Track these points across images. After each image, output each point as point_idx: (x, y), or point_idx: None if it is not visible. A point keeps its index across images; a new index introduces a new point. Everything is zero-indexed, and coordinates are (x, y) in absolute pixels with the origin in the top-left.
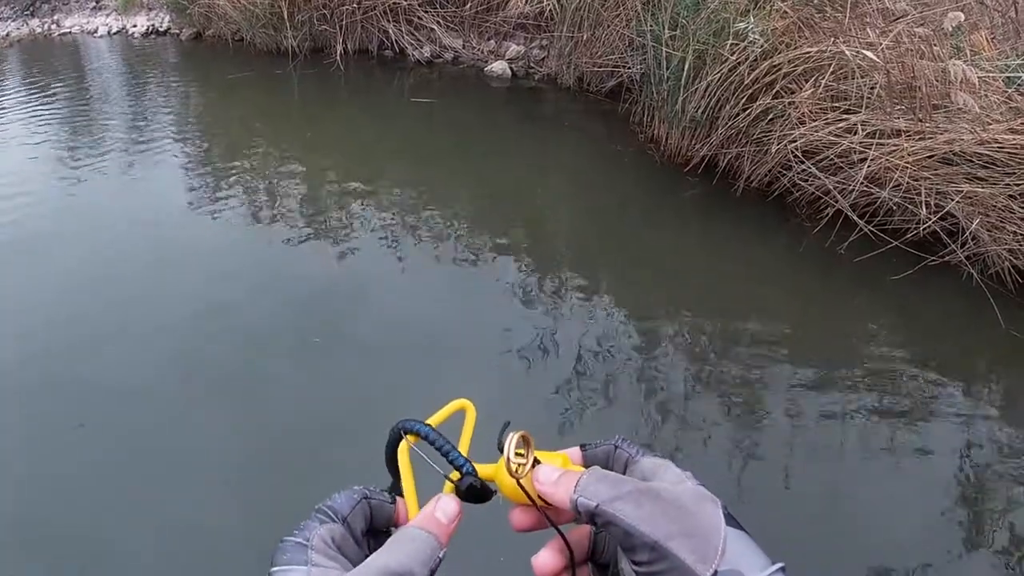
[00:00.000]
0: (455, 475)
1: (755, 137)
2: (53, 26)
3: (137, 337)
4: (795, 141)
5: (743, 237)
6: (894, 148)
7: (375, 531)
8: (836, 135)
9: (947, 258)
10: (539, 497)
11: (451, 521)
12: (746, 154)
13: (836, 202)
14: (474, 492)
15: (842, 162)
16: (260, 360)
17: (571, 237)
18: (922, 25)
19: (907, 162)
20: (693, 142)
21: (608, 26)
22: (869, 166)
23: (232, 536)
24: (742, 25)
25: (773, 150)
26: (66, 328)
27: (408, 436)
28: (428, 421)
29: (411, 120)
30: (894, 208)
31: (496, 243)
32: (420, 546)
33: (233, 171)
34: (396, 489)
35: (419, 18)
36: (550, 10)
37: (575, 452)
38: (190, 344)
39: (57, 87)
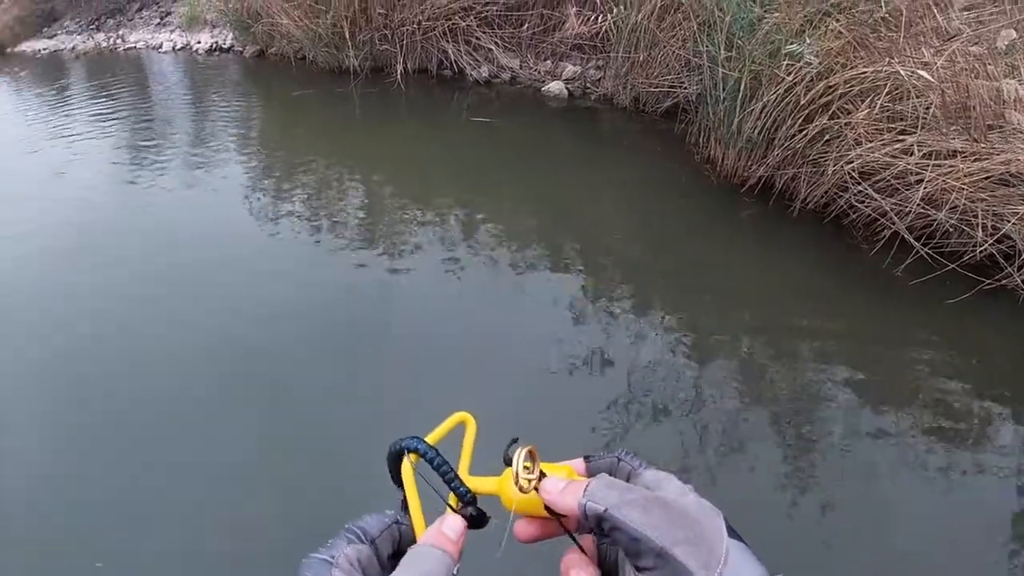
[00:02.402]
0: (453, 500)
1: (811, 158)
2: (118, 41)
3: (193, 341)
4: (851, 162)
5: (799, 259)
6: (950, 169)
7: (399, 554)
8: (892, 156)
9: (1004, 281)
10: (545, 507)
11: (458, 538)
12: (802, 175)
13: (892, 224)
14: (472, 519)
15: (898, 183)
16: (314, 364)
17: (626, 256)
18: (976, 44)
19: (963, 183)
20: (749, 163)
21: (664, 47)
22: (925, 187)
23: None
24: (794, 47)
25: (829, 171)
26: (123, 331)
27: (410, 455)
28: (429, 436)
29: (469, 139)
30: (950, 230)
31: (551, 260)
32: (436, 565)
33: (294, 186)
34: (405, 503)
35: (477, 39)
36: (606, 31)
37: (579, 463)
38: (246, 347)
39: (122, 100)
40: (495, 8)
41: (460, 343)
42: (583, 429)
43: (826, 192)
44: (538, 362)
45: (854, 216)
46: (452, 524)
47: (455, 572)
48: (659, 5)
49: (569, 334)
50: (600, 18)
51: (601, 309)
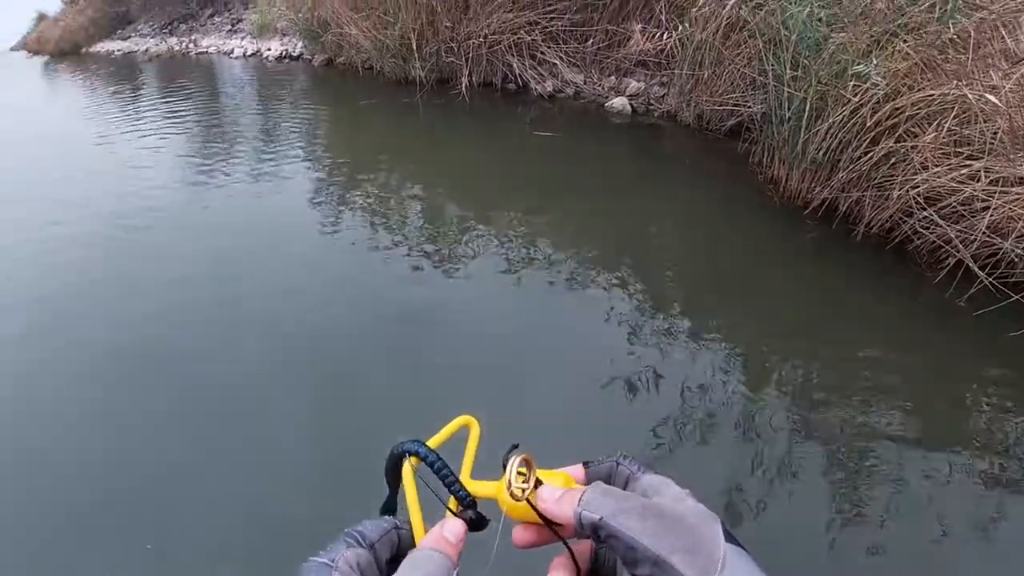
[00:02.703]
0: (453, 504)
1: (876, 181)
2: (190, 45)
3: (254, 336)
4: (917, 187)
5: (860, 284)
6: (1017, 197)
7: (397, 558)
8: (958, 181)
9: None
10: (539, 515)
11: (458, 541)
12: (867, 199)
13: (957, 252)
14: (472, 522)
15: (964, 210)
16: (367, 361)
17: (684, 274)
18: None
19: None
20: (813, 184)
21: (729, 64)
22: (991, 215)
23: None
24: (860, 67)
25: (894, 195)
26: (184, 320)
27: (411, 458)
28: (433, 439)
29: (531, 152)
30: (1016, 260)
31: (608, 274)
32: (436, 568)
33: (356, 191)
34: (389, 503)
35: (542, 53)
36: (671, 48)
37: (578, 469)
38: (304, 346)
39: (193, 102)
40: (560, 23)
41: (511, 350)
42: (630, 444)
43: (890, 217)
44: (589, 374)
45: (918, 242)
46: (452, 528)
47: (455, 574)
48: (725, 23)
49: (622, 349)
50: (665, 35)
51: (656, 326)
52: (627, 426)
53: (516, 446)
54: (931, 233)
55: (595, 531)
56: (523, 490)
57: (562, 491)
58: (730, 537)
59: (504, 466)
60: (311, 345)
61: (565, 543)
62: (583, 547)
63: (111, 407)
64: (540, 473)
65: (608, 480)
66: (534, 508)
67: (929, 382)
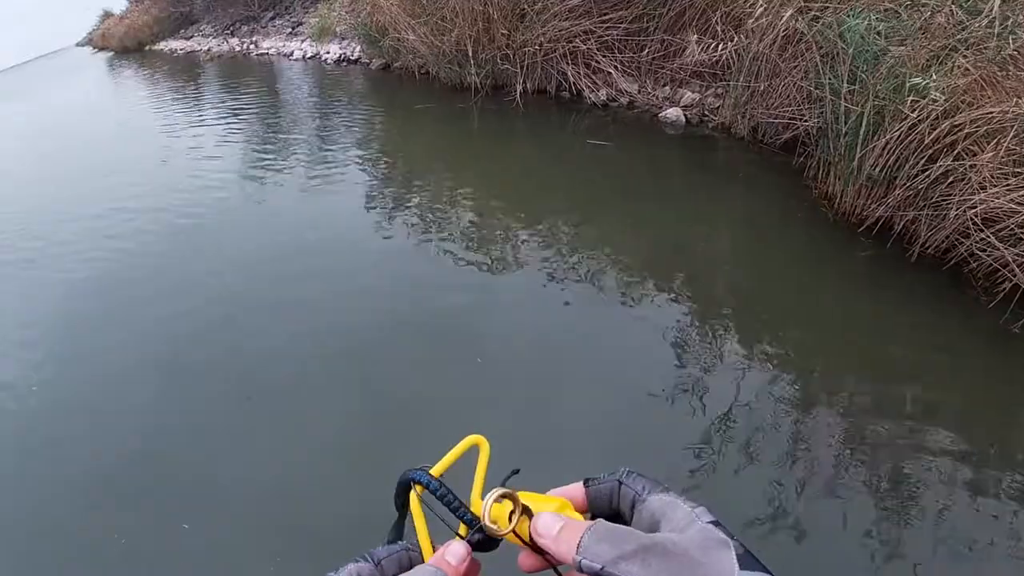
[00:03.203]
0: (463, 530)
1: (933, 200)
2: (251, 46)
3: (293, 331)
4: (975, 207)
5: (913, 306)
6: None
7: None
8: (1018, 203)
9: None
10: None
11: (460, 563)
12: (923, 218)
13: (1014, 276)
14: (478, 544)
15: (1023, 232)
16: (411, 359)
17: (733, 289)
18: None
19: None
20: (869, 201)
21: (785, 77)
22: None
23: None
24: (918, 81)
25: (951, 215)
26: (234, 314)
27: (416, 486)
28: (440, 462)
29: (584, 161)
30: None
31: (657, 285)
32: None
33: (409, 193)
34: (397, 527)
35: (597, 62)
36: (727, 59)
37: (578, 488)
38: (351, 339)
39: (253, 100)
40: (616, 32)
41: (551, 358)
42: (671, 459)
43: (947, 237)
44: (630, 387)
45: (974, 265)
46: (454, 550)
47: None
48: (781, 35)
49: (666, 362)
50: (721, 46)
51: (702, 341)
52: (665, 442)
53: (516, 471)
54: (988, 256)
55: None
56: (507, 522)
57: (561, 524)
58: (748, 562)
59: (503, 496)
60: (355, 345)
61: (557, 571)
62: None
63: (151, 398)
64: (533, 498)
65: (611, 502)
66: (521, 540)
67: (981, 409)
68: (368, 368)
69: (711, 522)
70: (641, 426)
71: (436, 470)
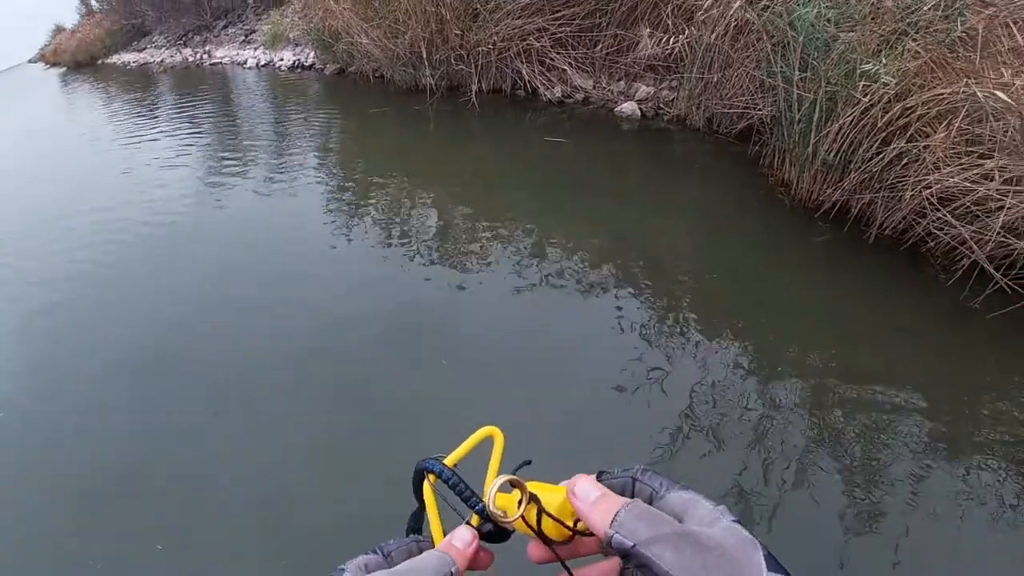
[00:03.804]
0: (476, 521)
1: (888, 182)
2: (205, 56)
3: (265, 340)
4: (929, 187)
5: (873, 287)
6: None
7: None
8: (972, 181)
9: None
10: (539, 533)
11: (466, 546)
12: (879, 200)
13: (971, 253)
14: (489, 534)
15: (979, 210)
16: (379, 366)
17: (695, 279)
18: None
19: None
20: (824, 186)
21: (738, 67)
22: (1006, 215)
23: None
24: (869, 67)
25: (907, 196)
26: (199, 326)
27: (430, 476)
28: (455, 452)
29: (542, 158)
30: None
31: (619, 279)
32: (431, 561)
33: (368, 198)
34: (416, 516)
35: (551, 59)
36: (680, 51)
37: (590, 479)
38: (314, 349)
39: (207, 111)
40: (569, 29)
41: (521, 356)
42: (640, 449)
43: (903, 218)
44: (600, 379)
45: (932, 244)
46: (460, 535)
47: (452, 571)
48: (732, 25)
49: (633, 354)
50: (673, 39)
51: (667, 331)
52: (633, 433)
53: (528, 462)
54: (945, 234)
55: (626, 556)
56: (515, 509)
57: (599, 492)
58: (772, 564)
59: (511, 483)
60: (324, 350)
61: (565, 566)
62: (610, 565)
63: (123, 411)
64: (542, 487)
65: (624, 496)
66: (531, 528)
67: (944, 384)
68: (332, 373)
69: (735, 521)
70: (608, 418)
71: (450, 460)
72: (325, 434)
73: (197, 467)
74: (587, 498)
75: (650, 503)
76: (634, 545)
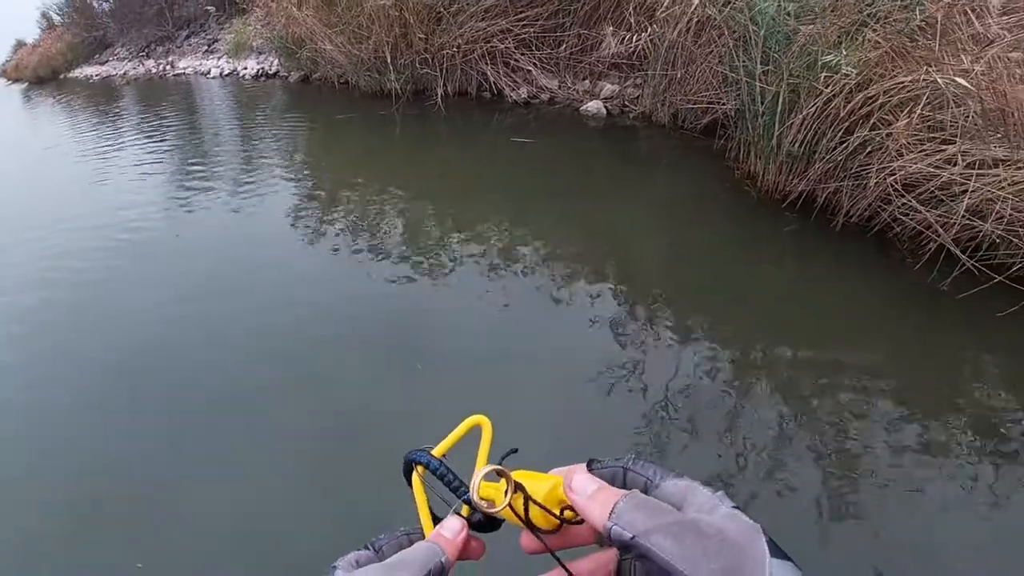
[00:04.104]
0: (465, 510)
1: (853, 171)
2: (167, 67)
3: (235, 350)
4: (894, 174)
5: (842, 273)
6: (994, 178)
7: None
8: (935, 167)
9: None
10: (526, 522)
11: (455, 536)
12: (845, 188)
13: (937, 236)
14: (479, 523)
15: (943, 195)
16: (352, 371)
17: (666, 273)
18: (1016, 49)
19: (1008, 192)
20: (790, 177)
21: (701, 63)
22: (970, 198)
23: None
24: (830, 58)
25: (872, 184)
26: (169, 339)
27: (418, 467)
28: (443, 442)
29: (509, 159)
30: (997, 241)
31: (590, 277)
32: (420, 552)
33: (337, 205)
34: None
35: (516, 60)
36: (643, 49)
37: (580, 469)
38: (284, 359)
39: (172, 122)
40: (533, 30)
41: (497, 356)
42: (614, 444)
43: (869, 205)
44: (576, 375)
45: (898, 229)
46: (449, 525)
47: (442, 560)
48: (695, 22)
49: (605, 349)
50: (636, 37)
51: (639, 325)
52: (610, 428)
53: (514, 451)
54: (911, 219)
55: (625, 548)
56: (502, 499)
57: (596, 486)
58: (776, 550)
59: (497, 472)
60: (297, 360)
61: (556, 557)
62: (607, 556)
63: (94, 427)
64: (528, 476)
65: (615, 486)
66: (519, 517)
67: (915, 366)
68: (306, 382)
69: (734, 507)
70: (585, 413)
71: (438, 450)
72: (302, 444)
73: (172, 482)
74: (584, 491)
75: (645, 493)
76: (633, 536)
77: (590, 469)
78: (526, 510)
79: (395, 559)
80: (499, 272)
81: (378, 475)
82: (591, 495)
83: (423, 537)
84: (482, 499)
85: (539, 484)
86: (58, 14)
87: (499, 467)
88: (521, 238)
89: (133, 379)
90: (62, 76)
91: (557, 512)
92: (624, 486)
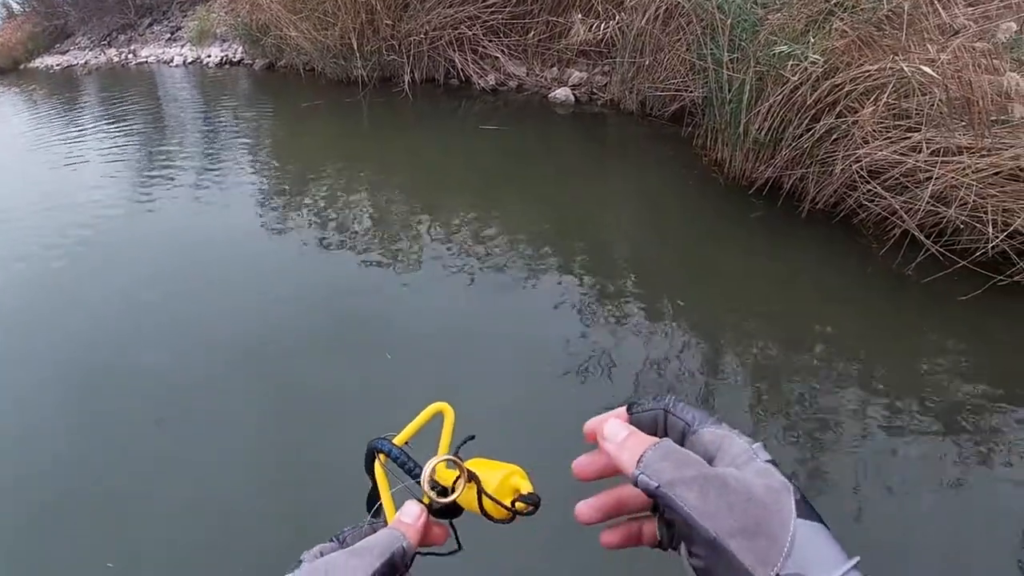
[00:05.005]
0: (427, 499)
1: (819, 158)
2: (130, 56)
3: (201, 344)
4: (859, 161)
5: (809, 259)
6: (958, 165)
7: None
8: (901, 154)
9: (1016, 277)
10: (481, 509)
11: (414, 520)
12: (811, 175)
13: (902, 222)
14: (439, 509)
15: (908, 181)
16: (320, 362)
17: (635, 261)
18: (981, 39)
19: (972, 180)
20: (757, 164)
21: (669, 51)
22: (934, 184)
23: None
24: (785, 48)
25: (838, 170)
26: (134, 333)
27: (380, 455)
28: (405, 430)
29: (477, 147)
30: (961, 227)
31: (559, 264)
32: (381, 537)
33: (304, 194)
34: (373, 495)
35: (484, 47)
36: (611, 36)
37: (620, 413)
38: (252, 350)
39: (134, 113)
40: (501, 16)
41: (468, 344)
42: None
43: (835, 192)
44: (544, 362)
45: (864, 215)
46: (408, 510)
47: (404, 545)
48: (663, 9)
49: (576, 336)
50: (604, 24)
51: (609, 313)
52: (585, 409)
53: (472, 438)
54: (876, 205)
55: (651, 496)
56: (453, 488)
57: (627, 432)
58: (804, 510)
59: (454, 463)
60: (265, 352)
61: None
62: (650, 523)
63: (56, 425)
64: (482, 464)
65: (655, 430)
66: (481, 504)
67: (882, 350)
68: (274, 374)
69: (769, 461)
70: (557, 398)
71: (399, 438)
72: (269, 436)
73: (139, 479)
74: (615, 438)
75: (683, 437)
76: (658, 486)
77: (630, 412)
78: (480, 499)
79: (357, 545)
80: (467, 259)
81: (348, 466)
82: (621, 442)
83: (386, 522)
84: (442, 486)
85: (493, 473)
86: (18, 3)
87: (453, 457)
88: (490, 225)
89: (93, 372)
90: (22, 66)
91: (508, 503)
92: (665, 428)
